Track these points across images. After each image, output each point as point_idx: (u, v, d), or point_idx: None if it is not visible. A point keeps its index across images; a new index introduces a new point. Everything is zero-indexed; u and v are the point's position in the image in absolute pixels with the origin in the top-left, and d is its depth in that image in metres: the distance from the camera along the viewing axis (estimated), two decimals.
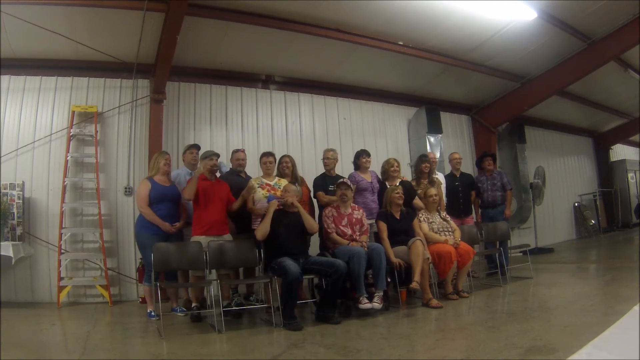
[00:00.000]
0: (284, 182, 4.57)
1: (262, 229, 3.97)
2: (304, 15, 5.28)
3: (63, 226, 5.00)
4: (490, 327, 3.27)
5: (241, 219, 4.43)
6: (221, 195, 4.23)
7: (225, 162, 5.19)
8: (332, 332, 3.41)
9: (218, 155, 4.45)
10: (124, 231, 5.34)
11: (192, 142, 5.13)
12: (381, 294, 3.94)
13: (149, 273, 4.12)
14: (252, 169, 5.08)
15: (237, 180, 4.64)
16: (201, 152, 4.73)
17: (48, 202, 5.11)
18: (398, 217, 4.52)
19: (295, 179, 4.69)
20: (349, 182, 4.52)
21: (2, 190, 4.79)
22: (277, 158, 4.85)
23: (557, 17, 5.93)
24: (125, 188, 5.45)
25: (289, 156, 4.89)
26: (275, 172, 4.73)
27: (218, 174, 4.56)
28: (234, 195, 4.35)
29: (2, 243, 4.59)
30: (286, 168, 4.73)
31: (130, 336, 3.63)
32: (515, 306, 4.05)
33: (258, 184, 4.44)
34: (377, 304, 3.86)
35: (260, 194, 4.38)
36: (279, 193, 4.41)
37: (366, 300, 3.86)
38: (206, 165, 4.22)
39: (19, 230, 4.80)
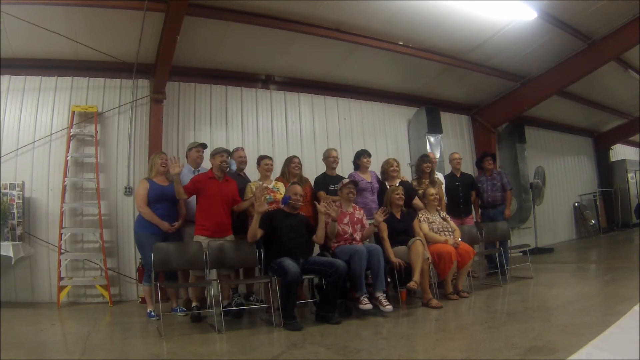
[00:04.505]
0: (281, 185, 4.57)
1: (251, 231, 3.96)
2: (304, 15, 5.28)
3: (63, 226, 5.00)
4: (490, 327, 3.27)
5: (240, 219, 4.42)
6: (227, 195, 4.21)
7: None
8: (332, 332, 3.41)
9: (229, 153, 4.44)
10: (124, 231, 5.34)
11: (192, 142, 5.13)
12: (384, 294, 3.94)
13: (148, 273, 4.13)
14: (252, 169, 5.08)
15: (238, 179, 4.64)
16: (206, 150, 4.75)
17: (48, 202, 5.11)
18: (398, 217, 4.52)
19: (300, 179, 4.69)
20: (355, 181, 4.53)
21: (2, 190, 4.79)
22: (276, 159, 4.85)
23: (557, 17, 5.93)
24: (125, 188, 5.45)
25: (297, 157, 4.89)
26: (272, 175, 4.72)
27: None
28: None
29: (2, 243, 4.60)
30: (297, 168, 4.73)
31: (130, 336, 3.63)
32: (515, 306, 4.05)
33: (257, 187, 4.42)
34: (389, 306, 3.84)
35: (261, 187, 4.37)
36: (278, 196, 4.41)
37: (367, 301, 3.85)
38: (215, 162, 4.21)
39: (19, 230, 4.79)
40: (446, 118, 8.01)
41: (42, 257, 5.02)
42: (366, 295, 3.89)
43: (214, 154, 4.30)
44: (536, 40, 6.33)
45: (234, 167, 4.88)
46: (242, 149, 5.06)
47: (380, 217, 4.27)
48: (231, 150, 4.98)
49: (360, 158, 5.01)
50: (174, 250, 3.94)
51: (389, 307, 3.85)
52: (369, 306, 3.83)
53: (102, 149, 5.44)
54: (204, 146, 4.76)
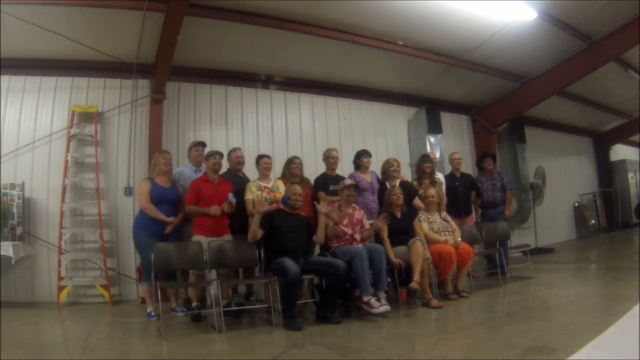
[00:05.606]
0: (281, 184, 4.56)
1: (252, 231, 3.96)
2: (304, 15, 5.28)
3: (63, 226, 5.00)
4: (490, 327, 3.27)
5: (240, 219, 4.42)
6: (222, 195, 4.23)
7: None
8: (332, 332, 3.41)
9: (221, 155, 4.45)
10: (124, 231, 5.33)
11: (192, 142, 5.13)
12: (384, 295, 3.93)
13: (147, 273, 4.12)
14: (252, 169, 5.08)
15: (236, 180, 4.64)
16: (206, 149, 4.75)
17: (48, 202, 5.11)
18: (399, 217, 4.51)
19: (301, 180, 4.68)
20: (356, 184, 4.50)
21: (2, 190, 4.79)
22: (276, 159, 4.84)
23: (557, 17, 5.93)
24: (125, 188, 5.45)
25: (298, 157, 4.88)
26: (271, 174, 4.71)
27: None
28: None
29: (2, 243, 4.59)
30: (297, 169, 4.71)
31: (130, 336, 3.63)
32: (515, 306, 4.05)
33: (256, 187, 4.43)
34: (387, 306, 3.80)
35: (261, 197, 4.37)
36: (278, 195, 4.40)
37: (378, 304, 3.76)
38: (208, 165, 4.22)
39: (19, 230, 4.80)
40: (446, 118, 8.00)
41: (42, 257, 5.02)
42: (374, 297, 3.82)
43: (207, 157, 4.35)
44: (536, 40, 6.33)
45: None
46: (240, 149, 5.03)
47: (381, 223, 4.26)
48: (229, 151, 5.00)
49: (361, 158, 5.00)
50: (174, 250, 3.94)
51: (387, 308, 3.81)
52: (382, 309, 3.73)
53: (102, 149, 5.44)
54: (203, 145, 4.77)
